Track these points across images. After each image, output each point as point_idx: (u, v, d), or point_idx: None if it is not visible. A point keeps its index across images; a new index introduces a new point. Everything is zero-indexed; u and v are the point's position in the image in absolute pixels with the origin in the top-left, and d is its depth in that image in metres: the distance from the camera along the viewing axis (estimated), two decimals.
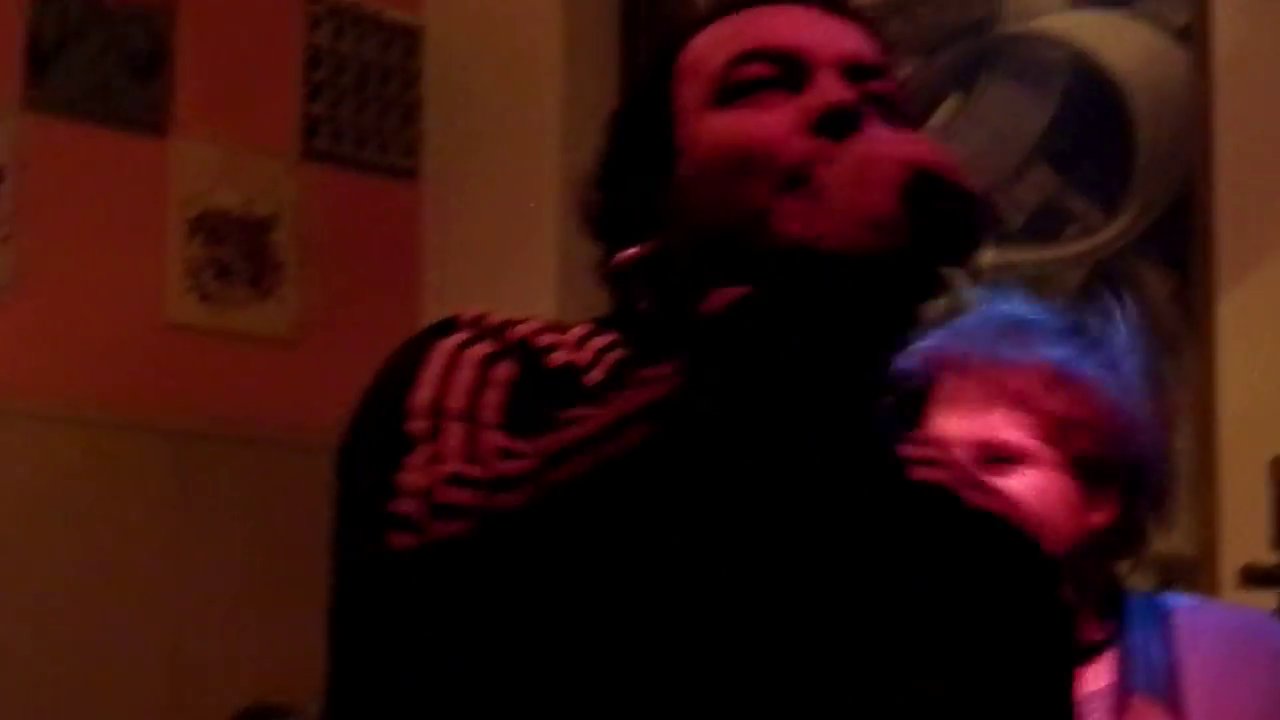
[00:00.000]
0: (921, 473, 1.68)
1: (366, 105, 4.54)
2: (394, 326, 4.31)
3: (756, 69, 1.56)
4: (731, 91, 1.56)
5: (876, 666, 1.59)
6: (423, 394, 1.49)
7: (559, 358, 1.53)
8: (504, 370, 1.53)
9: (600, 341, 1.58)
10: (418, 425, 1.47)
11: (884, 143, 1.50)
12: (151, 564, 4.05)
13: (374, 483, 1.46)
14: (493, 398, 1.51)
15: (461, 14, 4.43)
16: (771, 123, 1.52)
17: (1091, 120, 4.30)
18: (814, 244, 1.46)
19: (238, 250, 4.27)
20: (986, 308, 2.50)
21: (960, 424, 2.34)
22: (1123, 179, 4.26)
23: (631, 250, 1.55)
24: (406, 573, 1.44)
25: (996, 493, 1.75)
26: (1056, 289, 4.29)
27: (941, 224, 1.44)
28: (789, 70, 1.56)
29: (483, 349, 1.54)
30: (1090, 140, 4.30)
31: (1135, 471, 2.37)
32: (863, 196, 1.44)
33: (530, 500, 1.44)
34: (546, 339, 1.56)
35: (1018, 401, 2.32)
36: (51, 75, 4.10)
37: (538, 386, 1.53)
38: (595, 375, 1.53)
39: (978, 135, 4.43)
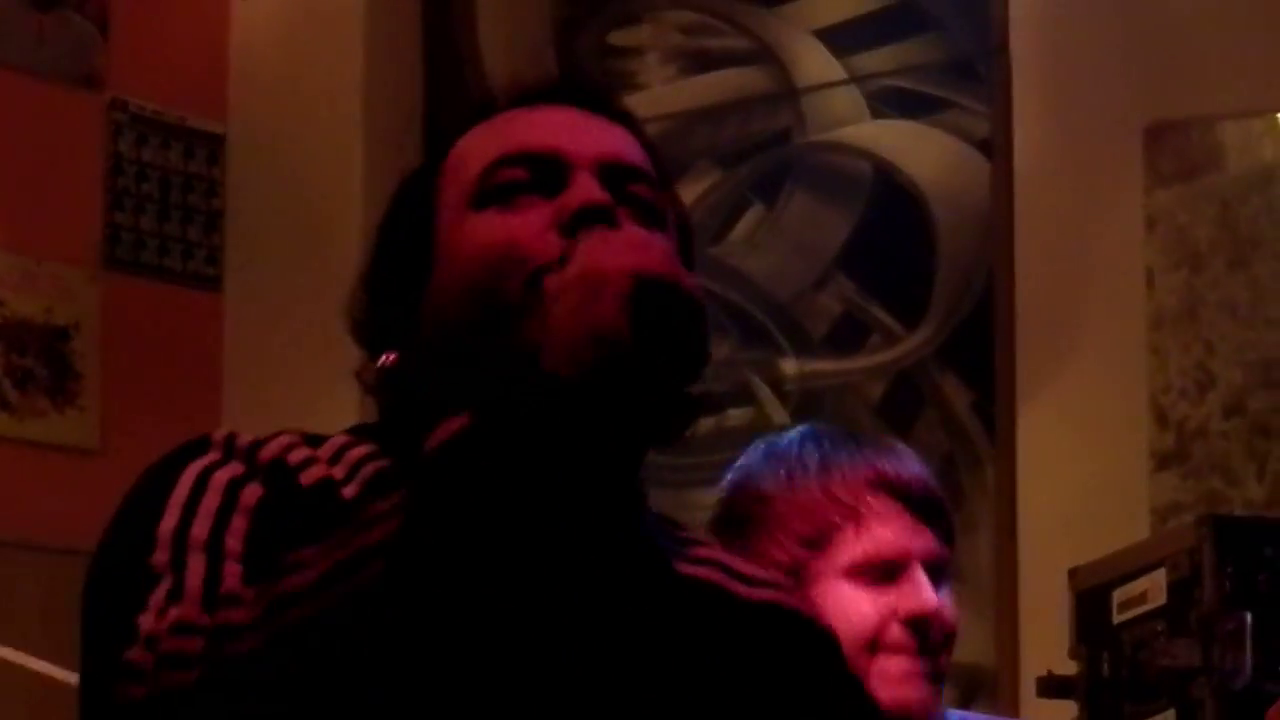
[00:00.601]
0: (689, 571, 1.66)
1: (169, 213, 4.53)
2: (191, 437, 4.38)
3: (512, 173, 1.56)
4: (489, 195, 1.55)
5: None
6: (168, 522, 1.46)
7: (314, 473, 1.49)
8: (251, 493, 1.50)
9: (358, 452, 1.56)
10: (160, 558, 1.43)
11: (608, 251, 1.48)
12: None
13: (113, 622, 1.41)
14: (238, 525, 1.47)
15: (264, 123, 4.50)
16: (524, 224, 1.52)
17: (893, 230, 4.41)
18: (537, 360, 1.45)
19: (38, 359, 4.25)
20: (794, 432, 2.65)
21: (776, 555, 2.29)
22: (924, 289, 4.40)
23: (385, 357, 1.52)
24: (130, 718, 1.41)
25: (769, 584, 1.71)
26: (858, 400, 4.37)
27: (665, 332, 1.44)
28: (545, 173, 1.56)
29: (231, 471, 1.51)
30: (891, 250, 4.40)
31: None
32: (585, 309, 1.44)
33: (256, 648, 1.38)
34: (300, 455, 1.53)
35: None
36: None
37: (289, 507, 1.50)
38: (350, 490, 1.50)
39: (780, 245, 4.50)
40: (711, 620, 1.63)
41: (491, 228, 1.52)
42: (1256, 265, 4.04)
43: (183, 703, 1.36)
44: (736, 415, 4.46)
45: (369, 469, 1.54)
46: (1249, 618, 3.02)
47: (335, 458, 1.54)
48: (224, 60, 4.74)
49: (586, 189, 1.52)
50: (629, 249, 1.48)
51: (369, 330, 1.60)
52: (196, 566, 1.42)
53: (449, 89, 4.29)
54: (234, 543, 1.45)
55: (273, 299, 4.38)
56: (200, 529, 1.45)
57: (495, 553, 1.42)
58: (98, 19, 4.58)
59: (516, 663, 1.51)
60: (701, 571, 1.65)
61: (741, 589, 1.66)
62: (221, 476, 1.50)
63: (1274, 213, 4.10)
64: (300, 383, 3.87)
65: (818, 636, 1.71)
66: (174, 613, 1.39)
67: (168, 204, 4.56)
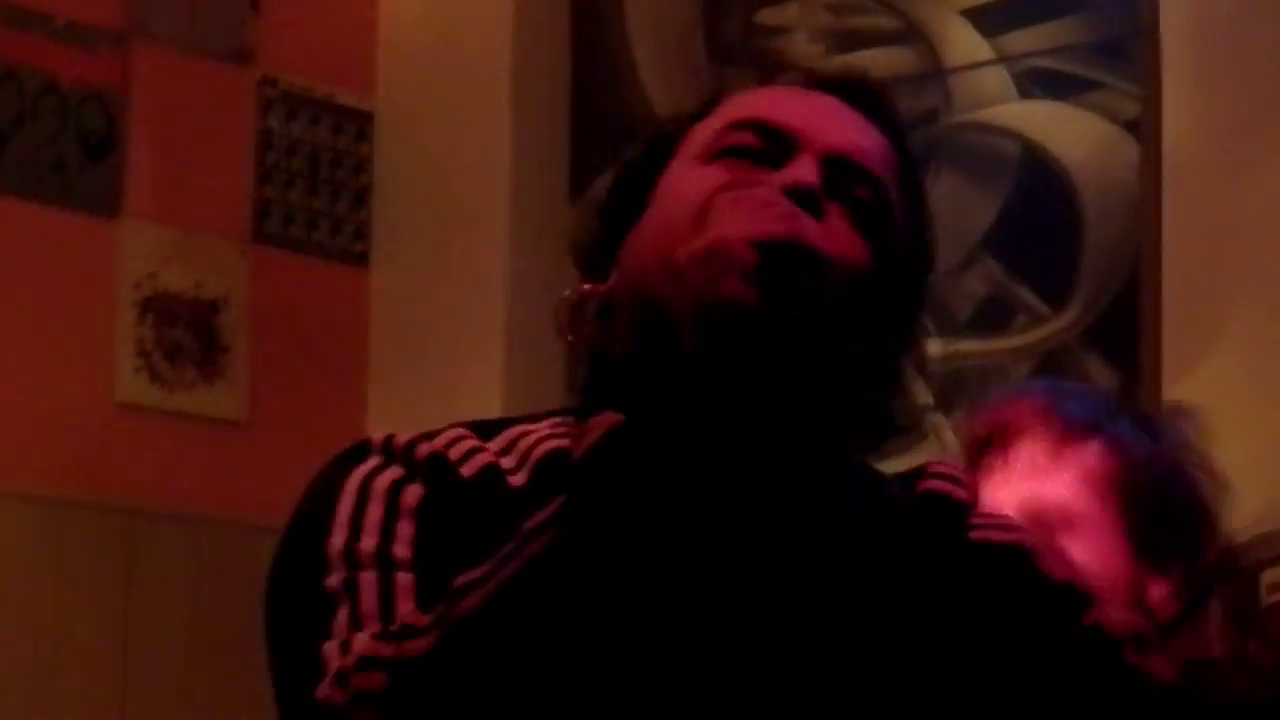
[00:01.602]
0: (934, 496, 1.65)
1: (318, 188, 4.54)
2: (341, 410, 4.36)
3: (743, 137, 1.57)
4: (717, 154, 1.57)
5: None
6: (336, 540, 1.50)
7: (478, 463, 1.52)
8: (413, 495, 1.53)
9: (533, 437, 1.58)
10: (334, 580, 1.48)
11: (734, 217, 1.50)
12: (97, 641, 4.04)
13: (300, 653, 1.48)
14: (404, 531, 1.51)
15: (413, 99, 4.46)
16: (737, 185, 1.55)
17: (1039, 212, 4.32)
18: (677, 336, 1.48)
19: (188, 332, 4.28)
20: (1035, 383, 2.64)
21: (1016, 488, 2.25)
22: (1070, 271, 4.27)
23: (584, 287, 1.56)
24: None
25: (1004, 526, 1.70)
26: (1003, 381, 4.28)
27: (791, 292, 1.45)
28: (775, 146, 1.56)
29: (392, 475, 1.54)
30: (1038, 232, 4.32)
31: (1194, 547, 2.32)
32: (711, 286, 1.46)
33: (435, 675, 1.45)
34: (462, 447, 1.56)
35: (1076, 466, 2.25)
36: (5, 156, 4.12)
37: (451, 503, 1.53)
38: (519, 478, 1.52)
39: None
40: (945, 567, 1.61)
41: (701, 178, 1.54)
42: None
43: (378, 699, 1.41)
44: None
45: (540, 451, 1.57)
46: None
47: (508, 446, 1.57)
48: (373, 37, 4.69)
49: (804, 170, 1.52)
50: (754, 212, 1.49)
51: (583, 257, 1.64)
52: (369, 584, 1.47)
53: (596, 67, 4.27)
54: (402, 550, 1.50)
55: (419, 275, 4.35)
56: (368, 543, 1.50)
57: (652, 558, 1.45)
58: None
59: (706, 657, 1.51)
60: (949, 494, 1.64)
61: (989, 534, 1.64)
62: (382, 483, 1.54)
63: None
64: (445, 358, 3.88)
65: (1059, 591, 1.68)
66: (358, 645, 1.44)
67: (316, 179, 4.55)
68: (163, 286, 4.24)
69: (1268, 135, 3.95)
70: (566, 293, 1.59)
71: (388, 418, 4.01)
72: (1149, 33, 4.06)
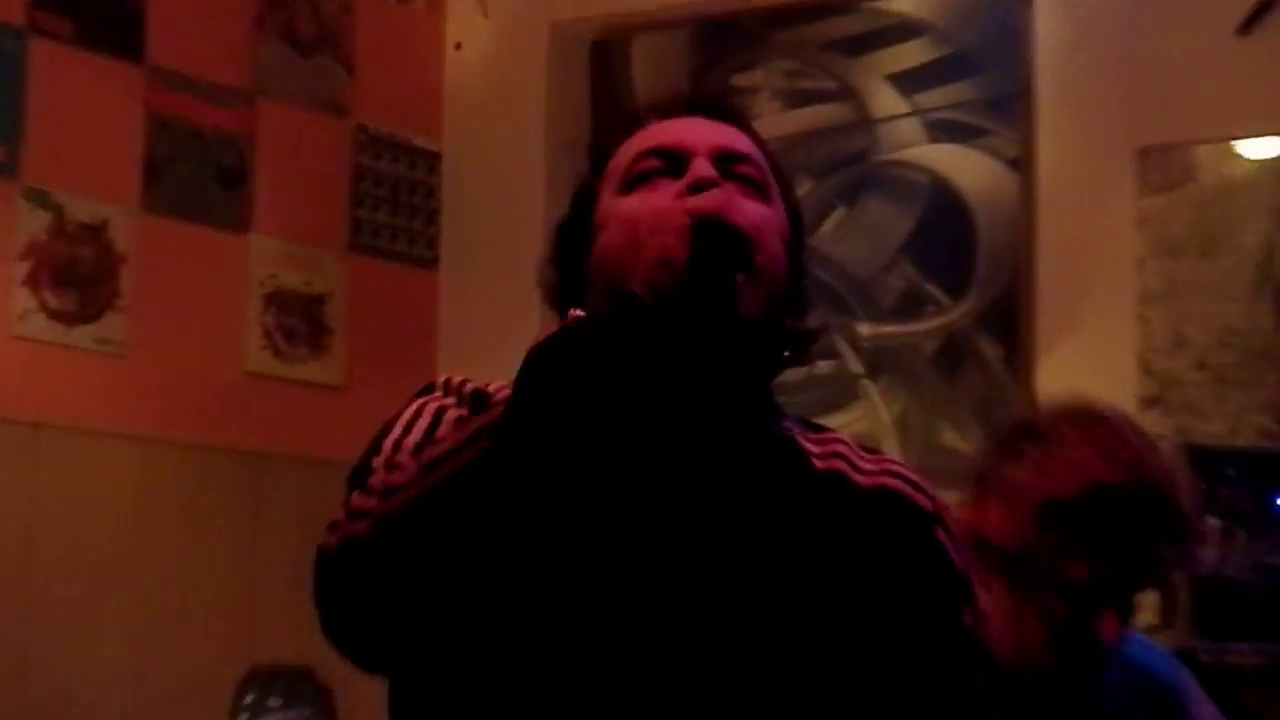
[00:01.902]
0: (819, 463, 1.77)
1: (398, 210, 5.10)
2: (417, 377, 4.48)
3: (648, 163, 1.74)
4: (632, 182, 1.73)
5: (778, 617, 1.68)
6: (391, 438, 1.71)
7: (505, 391, 1.63)
8: (454, 414, 1.72)
9: None
10: (379, 460, 1.68)
11: (671, 198, 1.69)
12: (230, 564, 4.50)
13: (344, 500, 1.67)
14: (443, 434, 1.69)
15: (471, 141, 4.92)
16: (656, 198, 1.69)
17: (945, 228, 4.93)
18: (628, 284, 1.63)
19: (299, 319, 4.84)
20: None
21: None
22: (967, 272, 4.86)
23: (571, 313, 1.64)
24: (327, 561, 1.65)
25: (883, 471, 1.81)
26: (917, 355, 4.88)
27: (716, 255, 1.64)
28: (673, 162, 1.73)
29: (442, 402, 1.75)
30: (943, 243, 4.92)
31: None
32: (653, 240, 1.65)
33: (405, 505, 1.60)
34: (499, 384, 1.71)
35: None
36: (162, 184, 4.61)
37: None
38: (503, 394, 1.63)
39: (858, 238, 5.01)
40: (826, 504, 1.72)
41: (631, 203, 1.70)
42: (1221, 256, 4.48)
43: (356, 545, 1.61)
44: (824, 366, 4.88)
45: None
46: (1215, 522, 3.91)
47: None
48: (439, 94, 5.30)
49: (701, 168, 1.70)
50: (701, 198, 1.68)
51: (554, 295, 1.80)
52: (405, 464, 1.63)
53: (611, 118, 4.70)
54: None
55: (478, 276, 4.80)
56: (412, 439, 1.70)
57: (569, 430, 1.57)
58: (346, 62, 5.09)
59: (609, 523, 1.64)
60: (828, 463, 1.77)
61: (860, 478, 1.77)
62: (433, 405, 1.73)
63: (1234, 217, 4.50)
64: (496, 338, 4.12)
65: (917, 513, 1.79)
66: (354, 499, 1.63)
67: (397, 203, 5.11)
68: (281, 285, 4.79)
69: (1115, 168, 4.56)
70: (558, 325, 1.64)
71: None
72: (1026, 91, 4.68)
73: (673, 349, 1.62)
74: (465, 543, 1.62)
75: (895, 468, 1.82)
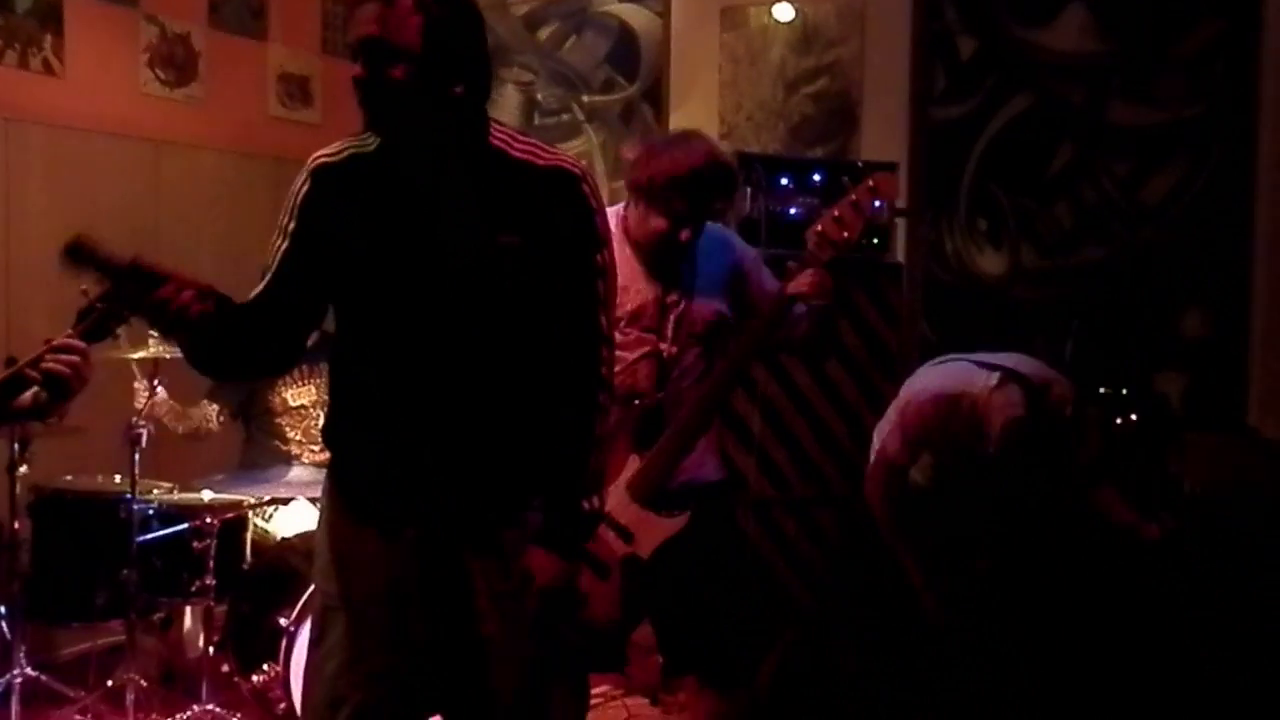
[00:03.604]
0: (514, 153, 2.66)
1: None
2: None
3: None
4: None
5: (478, 233, 2.59)
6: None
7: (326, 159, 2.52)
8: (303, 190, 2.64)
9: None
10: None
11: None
12: (261, 237, 4.66)
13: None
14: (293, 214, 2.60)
15: None
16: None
17: (626, 47, 6.36)
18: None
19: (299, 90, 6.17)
20: None
21: None
22: (636, 70, 6.31)
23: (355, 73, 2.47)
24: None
25: (561, 157, 2.70)
26: (610, 113, 6.44)
27: (365, 51, 2.49)
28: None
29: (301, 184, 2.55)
30: (625, 55, 6.28)
31: None
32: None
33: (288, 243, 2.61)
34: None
35: None
36: (220, 13, 6.02)
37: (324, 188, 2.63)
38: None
39: (583, 53, 6.73)
40: (515, 177, 2.66)
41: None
42: (759, 65, 6.10)
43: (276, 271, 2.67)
44: (565, 118, 6.81)
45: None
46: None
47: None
48: None
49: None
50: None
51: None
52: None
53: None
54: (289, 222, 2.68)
55: None
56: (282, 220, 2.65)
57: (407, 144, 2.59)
58: None
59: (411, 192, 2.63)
60: (522, 150, 2.70)
61: (540, 160, 2.69)
62: (294, 186, 2.58)
63: (766, 46, 6.05)
64: None
65: (573, 180, 2.72)
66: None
67: None
68: (286, 71, 6.10)
69: (709, 23, 6.09)
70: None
71: None
72: None
73: (372, 100, 2.60)
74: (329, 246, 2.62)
75: (570, 158, 2.73)
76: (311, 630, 2.91)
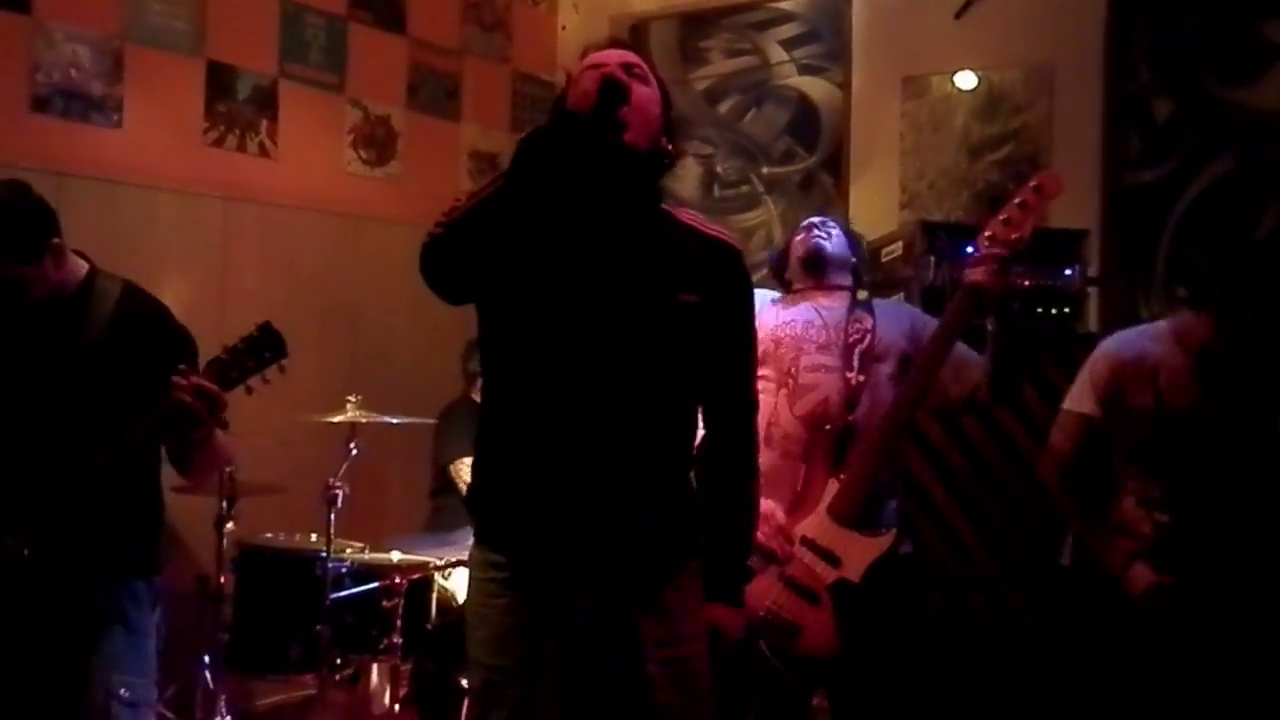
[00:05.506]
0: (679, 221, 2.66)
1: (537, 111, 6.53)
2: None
3: (589, 64, 2.53)
4: (580, 73, 2.53)
5: (660, 290, 2.57)
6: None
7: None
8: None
9: None
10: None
11: (603, 68, 2.43)
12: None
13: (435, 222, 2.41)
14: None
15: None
16: (588, 75, 2.49)
17: (804, 119, 6.39)
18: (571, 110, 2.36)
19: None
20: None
21: None
22: (815, 141, 6.29)
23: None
24: (423, 248, 2.44)
25: (722, 232, 2.71)
26: (790, 183, 6.38)
27: (609, 94, 2.35)
28: (599, 67, 2.50)
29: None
30: (804, 127, 6.32)
31: None
32: (585, 87, 2.38)
33: (455, 217, 2.40)
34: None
35: None
36: (417, 98, 6.20)
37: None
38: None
39: (762, 124, 6.71)
40: (687, 240, 2.64)
41: (578, 78, 2.52)
42: (940, 133, 6.04)
43: (435, 238, 2.49)
44: (744, 189, 6.71)
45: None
46: (932, 259, 4.72)
47: None
48: (555, 52, 6.86)
49: (608, 61, 2.55)
50: (611, 68, 2.48)
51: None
52: (461, 201, 2.46)
53: None
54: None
55: None
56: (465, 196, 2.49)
57: (542, 181, 2.35)
58: (509, 35, 6.48)
59: (559, 236, 2.50)
60: (688, 218, 2.69)
61: (705, 230, 2.68)
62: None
63: (949, 114, 5.99)
64: None
65: (737, 255, 2.73)
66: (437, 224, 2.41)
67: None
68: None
69: (890, 89, 6.03)
70: None
71: None
72: (846, 49, 6.08)
73: (588, 138, 2.37)
74: (485, 234, 2.35)
75: (728, 234, 2.72)
76: (470, 708, 2.79)
